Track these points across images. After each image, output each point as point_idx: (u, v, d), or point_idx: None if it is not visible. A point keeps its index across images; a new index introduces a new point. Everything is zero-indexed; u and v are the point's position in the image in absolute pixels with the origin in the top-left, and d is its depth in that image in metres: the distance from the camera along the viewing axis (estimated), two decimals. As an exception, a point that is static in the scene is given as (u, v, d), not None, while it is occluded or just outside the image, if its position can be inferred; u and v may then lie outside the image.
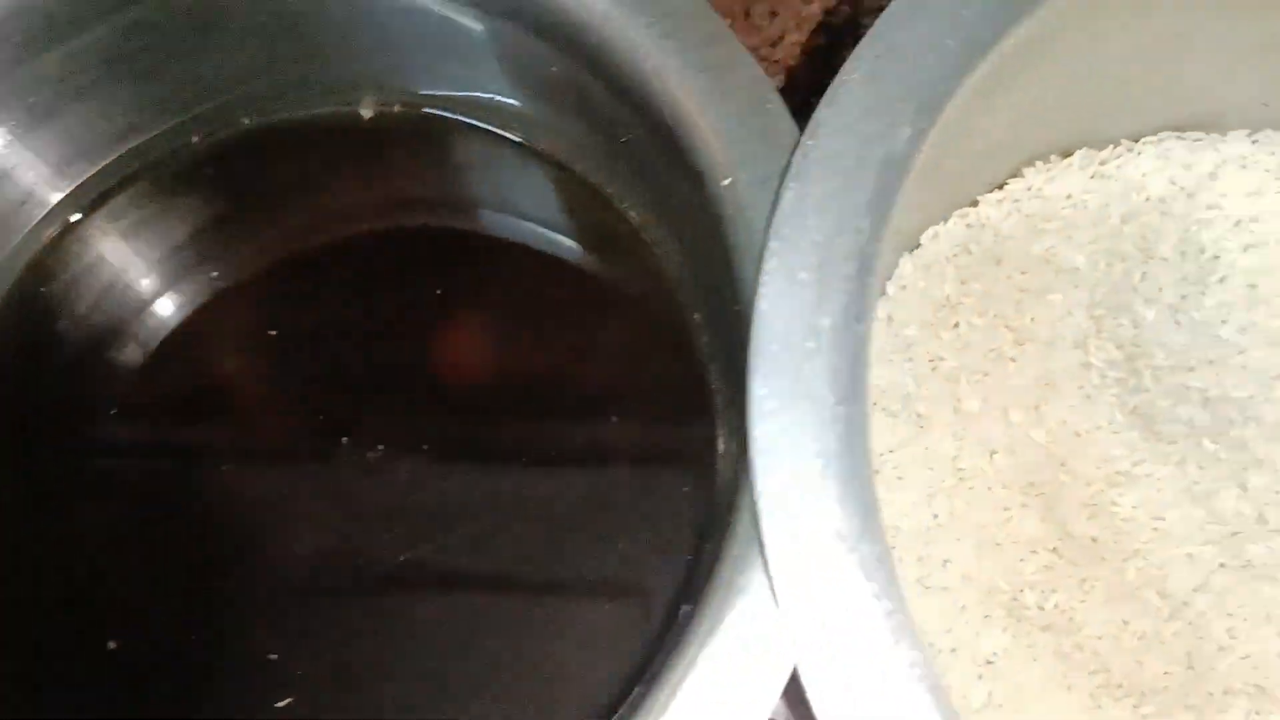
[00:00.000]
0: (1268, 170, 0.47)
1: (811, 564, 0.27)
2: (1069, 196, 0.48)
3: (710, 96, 0.32)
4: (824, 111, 0.31)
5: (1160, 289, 0.47)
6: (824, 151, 0.30)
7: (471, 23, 0.37)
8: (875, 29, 0.31)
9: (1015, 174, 0.48)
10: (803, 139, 0.30)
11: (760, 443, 0.28)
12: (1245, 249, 0.47)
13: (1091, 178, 0.48)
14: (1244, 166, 0.48)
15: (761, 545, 0.27)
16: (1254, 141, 0.48)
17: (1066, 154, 0.49)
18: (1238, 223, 0.47)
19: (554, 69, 0.35)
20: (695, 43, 0.32)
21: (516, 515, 0.37)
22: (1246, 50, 0.43)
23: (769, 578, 0.27)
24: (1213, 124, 0.48)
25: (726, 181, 0.32)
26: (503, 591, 0.35)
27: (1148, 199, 0.48)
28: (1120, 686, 0.42)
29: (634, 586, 0.35)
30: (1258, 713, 0.41)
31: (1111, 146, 0.49)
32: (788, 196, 0.30)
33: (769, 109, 0.32)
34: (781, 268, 0.29)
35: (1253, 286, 0.46)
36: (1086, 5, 0.33)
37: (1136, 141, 0.49)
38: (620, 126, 0.35)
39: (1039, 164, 0.48)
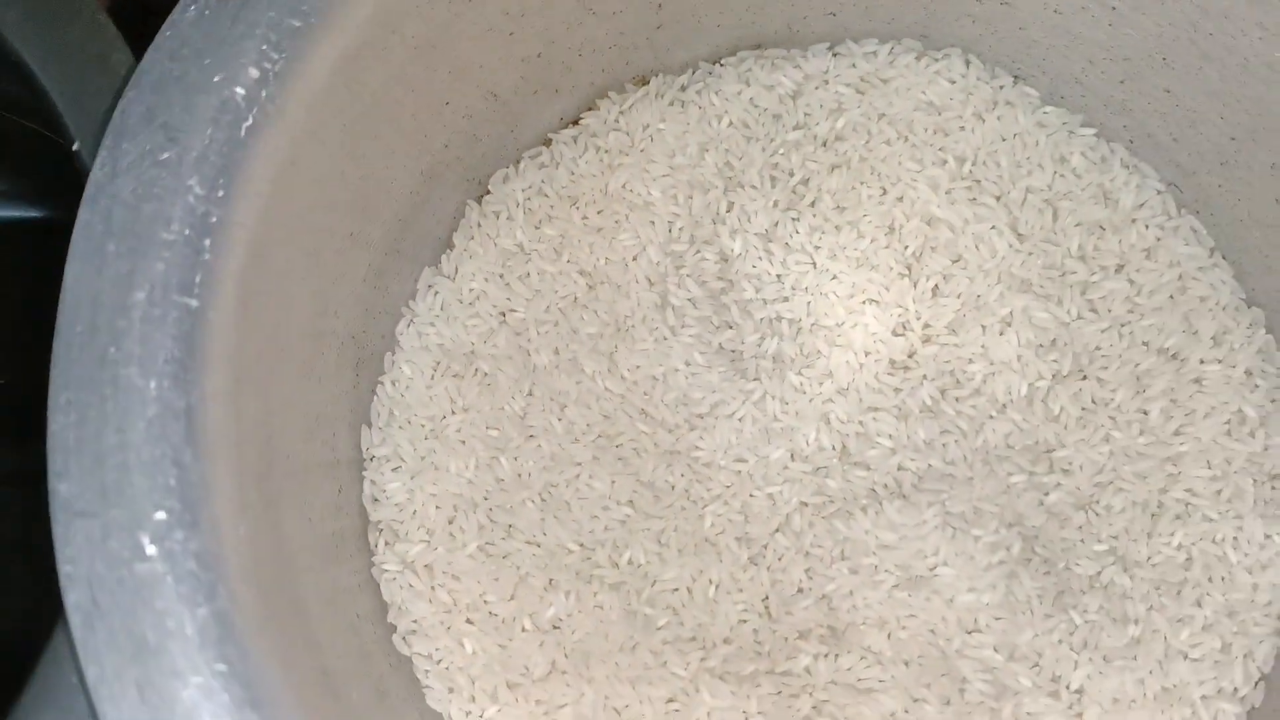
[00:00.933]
0: (848, 85, 0.45)
1: (108, 580, 0.24)
2: (646, 127, 0.45)
3: (52, 51, 0.28)
4: (150, 57, 0.27)
5: (749, 218, 0.44)
6: (146, 105, 0.27)
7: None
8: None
9: (590, 107, 0.46)
10: (125, 91, 0.27)
11: (56, 440, 0.25)
12: (832, 169, 0.45)
13: (670, 105, 0.46)
14: (826, 83, 0.45)
15: (60, 570, 0.24)
16: (834, 55, 0.46)
17: (643, 82, 0.46)
18: (824, 143, 0.45)
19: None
20: (35, -8, 0.28)
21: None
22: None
23: (68, 610, 0.24)
24: (791, 39, 0.45)
25: (75, 146, 0.28)
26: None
27: (730, 124, 0.45)
28: (693, 640, 0.40)
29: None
30: (826, 655, 0.39)
31: (691, 71, 0.46)
32: (101, 158, 0.27)
33: (115, 60, 0.28)
34: (88, 240, 0.26)
35: (840, 209, 0.44)
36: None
37: (716, 64, 0.46)
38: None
39: (613, 94, 0.46)
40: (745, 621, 0.40)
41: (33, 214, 0.38)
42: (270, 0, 0.28)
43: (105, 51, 0.29)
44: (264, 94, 0.28)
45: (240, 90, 0.28)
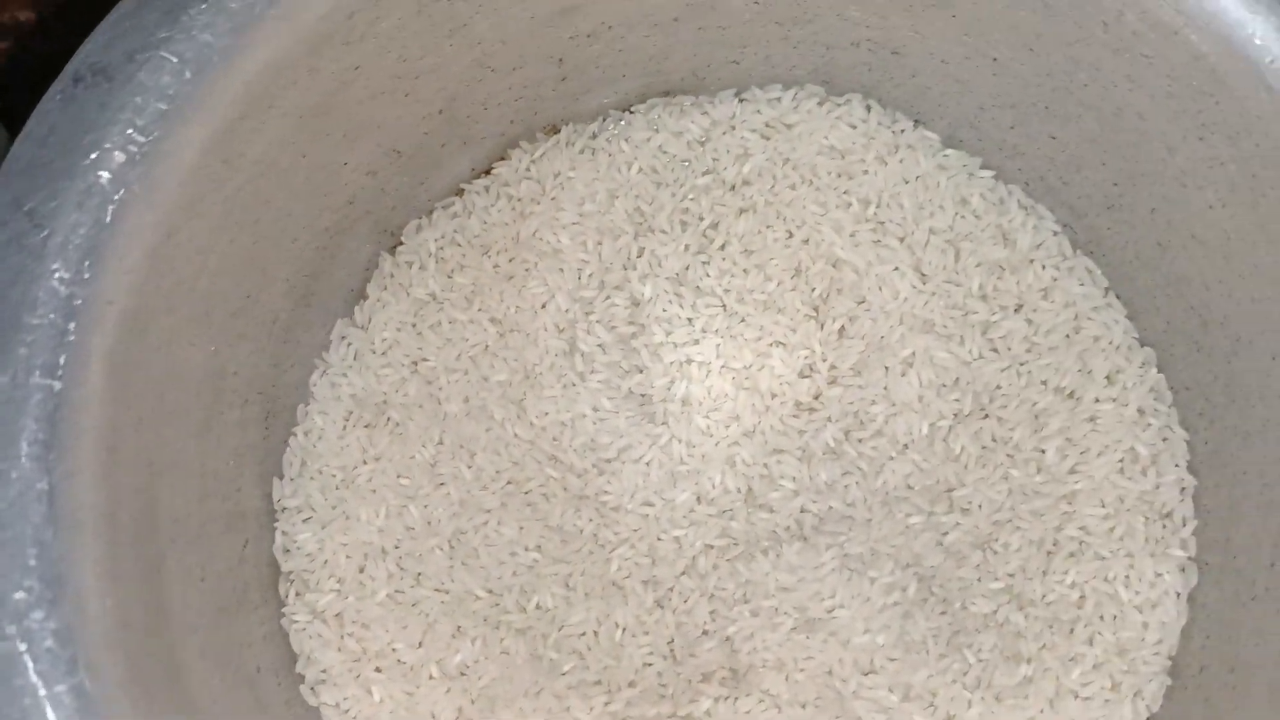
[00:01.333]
0: (754, 130, 0.46)
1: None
2: (557, 175, 0.46)
3: None
4: (18, 146, 0.28)
5: (660, 263, 0.45)
6: (13, 193, 0.28)
7: None
8: (90, 41, 0.29)
9: (502, 156, 0.46)
10: (-10, 184, 0.28)
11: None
12: (740, 213, 0.46)
13: (580, 152, 0.46)
14: (733, 128, 0.46)
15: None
16: (741, 100, 0.46)
17: (554, 130, 0.47)
18: (732, 187, 0.46)
19: None
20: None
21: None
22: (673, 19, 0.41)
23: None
24: (698, 86, 0.46)
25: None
26: None
27: (640, 170, 0.46)
28: (598, 683, 0.41)
29: None
30: (726, 698, 0.40)
31: (601, 119, 0.47)
32: (-32, 246, 0.28)
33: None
34: (-46, 326, 0.27)
35: (749, 252, 0.45)
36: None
37: (626, 111, 0.47)
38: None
39: (524, 144, 0.46)
40: (650, 664, 0.41)
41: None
42: (136, 85, 0.29)
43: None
44: (131, 176, 0.29)
45: (105, 174, 0.28)
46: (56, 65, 0.45)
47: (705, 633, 0.41)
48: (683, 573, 0.42)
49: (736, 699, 0.40)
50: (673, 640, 0.41)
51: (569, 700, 0.40)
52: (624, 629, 0.41)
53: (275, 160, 0.34)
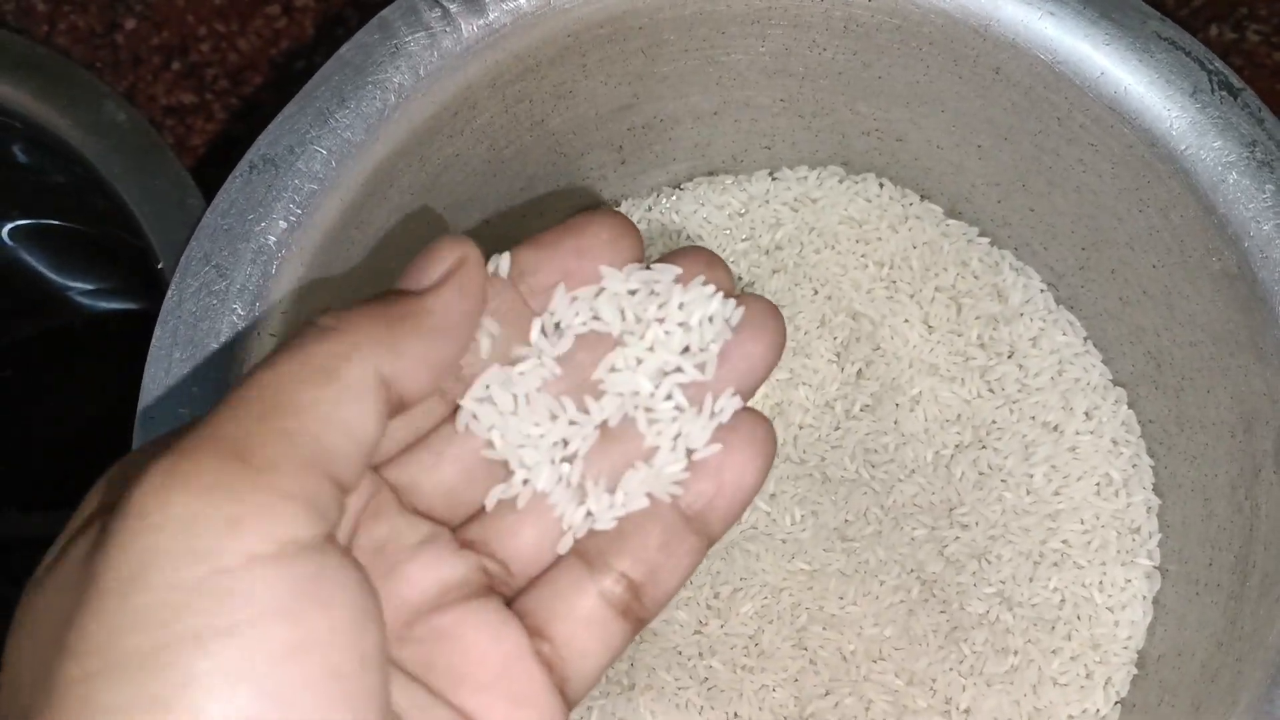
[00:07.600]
0: (784, 203, 0.54)
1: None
2: (617, 242, 0.55)
3: (145, 195, 0.39)
4: (207, 216, 0.38)
5: (704, 315, 0.53)
6: (204, 250, 0.37)
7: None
8: (261, 138, 0.38)
9: (572, 226, 0.55)
10: (190, 241, 0.37)
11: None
12: (773, 274, 0.54)
13: (638, 223, 0.55)
14: (766, 202, 0.54)
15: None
16: (773, 179, 0.55)
17: (615, 205, 0.55)
18: (766, 252, 0.54)
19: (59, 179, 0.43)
20: (132, 151, 0.40)
21: None
22: (716, 111, 0.50)
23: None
24: (737, 168, 0.55)
25: (160, 265, 0.39)
26: None
27: (688, 238, 0.55)
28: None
29: None
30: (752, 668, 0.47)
31: (655, 194, 0.55)
32: (171, 290, 0.37)
33: (190, 203, 0.39)
34: (159, 350, 0.36)
35: (781, 306, 0.53)
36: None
37: (676, 189, 0.55)
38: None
39: (590, 215, 0.55)
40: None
41: (134, 306, 0.50)
42: (295, 170, 0.38)
43: (183, 197, 0.39)
44: (290, 239, 0.38)
45: (272, 238, 0.38)
46: (212, 139, 0.56)
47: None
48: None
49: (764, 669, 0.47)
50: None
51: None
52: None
53: (391, 227, 0.43)
